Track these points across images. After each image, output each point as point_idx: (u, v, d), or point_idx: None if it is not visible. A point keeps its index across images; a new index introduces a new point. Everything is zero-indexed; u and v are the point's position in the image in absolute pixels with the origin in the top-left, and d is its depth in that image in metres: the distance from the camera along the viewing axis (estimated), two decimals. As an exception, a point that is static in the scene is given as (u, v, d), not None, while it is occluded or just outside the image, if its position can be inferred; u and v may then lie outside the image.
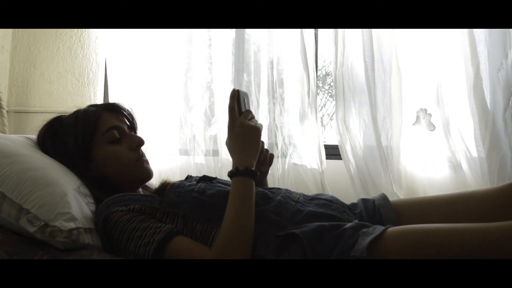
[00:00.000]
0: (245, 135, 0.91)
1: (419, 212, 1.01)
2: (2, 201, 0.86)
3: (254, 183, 0.89)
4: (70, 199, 0.88)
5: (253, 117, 0.97)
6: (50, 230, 0.82)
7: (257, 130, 0.93)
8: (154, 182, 1.14)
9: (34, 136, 1.11)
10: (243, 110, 0.96)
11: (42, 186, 0.88)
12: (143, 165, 1.04)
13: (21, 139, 1.07)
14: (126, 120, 1.10)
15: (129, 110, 1.11)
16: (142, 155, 1.06)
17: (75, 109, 1.07)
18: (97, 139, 1.00)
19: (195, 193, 0.93)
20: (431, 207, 1.01)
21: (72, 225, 0.84)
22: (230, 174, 0.90)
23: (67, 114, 1.07)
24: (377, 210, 1.01)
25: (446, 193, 1.08)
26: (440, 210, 0.99)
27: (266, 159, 1.07)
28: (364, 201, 1.06)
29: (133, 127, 1.11)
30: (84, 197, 0.94)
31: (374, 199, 1.06)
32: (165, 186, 0.99)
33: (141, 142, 1.05)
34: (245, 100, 1.00)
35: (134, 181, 1.05)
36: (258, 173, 0.90)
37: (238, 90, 0.96)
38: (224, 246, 0.81)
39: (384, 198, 1.05)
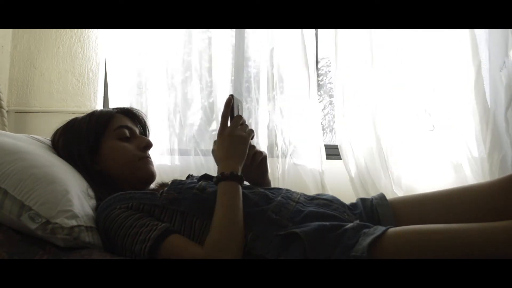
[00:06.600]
0: (232, 144, 0.93)
1: (416, 209, 1.00)
2: (4, 197, 0.86)
3: (240, 187, 0.90)
4: (72, 197, 0.89)
5: (243, 123, 0.97)
6: (52, 227, 0.83)
7: (244, 139, 0.94)
8: (153, 182, 1.14)
9: (39, 136, 1.13)
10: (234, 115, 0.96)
11: (45, 184, 0.88)
12: (147, 164, 1.07)
13: (26, 138, 1.08)
14: (140, 126, 1.15)
15: (144, 117, 1.16)
16: (147, 156, 1.08)
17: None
18: (107, 133, 1.05)
19: (196, 190, 0.94)
20: (429, 204, 1.00)
21: (73, 222, 0.85)
22: (216, 180, 0.91)
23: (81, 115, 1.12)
24: (375, 209, 1.02)
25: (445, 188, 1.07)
26: (437, 206, 0.99)
27: (253, 155, 1.03)
28: (363, 200, 1.06)
29: (144, 133, 1.16)
30: (90, 199, 0.95)
31: (372, 199, 1.06)
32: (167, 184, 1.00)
33: (149, 143, 1.09)
34: (239, 107, 1.00)
35: (135, 180, 1.05)
36: (243, 177, 0.91)
37: (233, 96, 0.97)
38: (213, 247, 0.82)
39: (382, 197, 1.05)
